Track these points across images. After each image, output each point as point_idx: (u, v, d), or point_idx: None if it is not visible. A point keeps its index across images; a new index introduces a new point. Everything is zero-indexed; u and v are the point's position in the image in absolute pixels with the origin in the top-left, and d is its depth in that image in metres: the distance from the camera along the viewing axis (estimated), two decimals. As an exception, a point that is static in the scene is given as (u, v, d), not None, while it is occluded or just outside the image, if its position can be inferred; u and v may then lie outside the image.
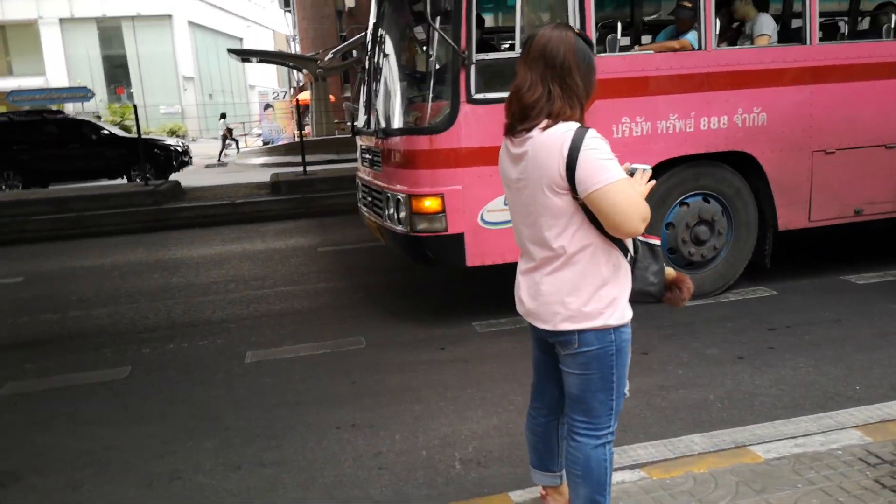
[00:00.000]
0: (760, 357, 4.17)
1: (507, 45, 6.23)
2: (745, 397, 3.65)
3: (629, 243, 2.01)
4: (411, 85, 5.15)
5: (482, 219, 4.61)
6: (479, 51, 4.51)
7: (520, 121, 1.93)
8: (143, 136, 13.87)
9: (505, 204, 4.52)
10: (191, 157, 18.11)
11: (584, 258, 1.92)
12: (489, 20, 7.21)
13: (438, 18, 4.33)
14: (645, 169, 2.00)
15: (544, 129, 1.88)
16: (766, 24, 5.12)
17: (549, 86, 1.88)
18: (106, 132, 16.16)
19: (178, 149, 17.19)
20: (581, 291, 1.93)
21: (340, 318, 5.49)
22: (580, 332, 1.95)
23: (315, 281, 6.75)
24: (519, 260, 2.15)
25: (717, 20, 4.93)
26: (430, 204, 4.55)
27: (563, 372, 2.08)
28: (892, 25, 5.29)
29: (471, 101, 4.47)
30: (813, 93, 5.01)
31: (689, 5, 4.95)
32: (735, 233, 5.12)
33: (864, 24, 6.37)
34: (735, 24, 5.49)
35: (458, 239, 4.60)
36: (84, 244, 9.47)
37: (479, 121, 4.50)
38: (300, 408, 3.88)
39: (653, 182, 2.01)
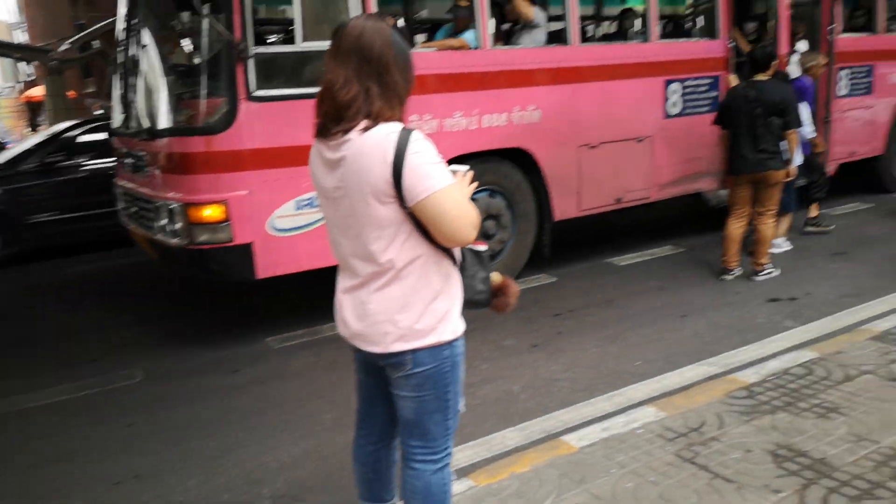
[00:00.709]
0: (552, 343, 4.39)
1: (276, 39, 5.90)
2: (545, 384, 3.81)
3: (456, 251, 1.90)
4: (180, 80, 4.61)
5: (272, 226, 4.28)
6: (256, 43, 4.15)
7: (334, 122, 1.71)
8: None
9: (298, 208, 4.32)
10: None
11: (415, 271, 1.77)
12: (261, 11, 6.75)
13: (208, 6, 3.90)
14: (465, 171, 1.88)
15: (364, 130, 1.69)
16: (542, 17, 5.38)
17: (366, 83, 1.70)
18: None
19: None
20: (412, 307, 1.79)
21: (106, 348, 4.78)
22: (413, 351, 1.81)
23: (64, 309, 5.84)
24: (339, 277, 1.94)
25: (493, 19, 5.09)
26: (212, 212, 4.11)
27: (394, 396, 1.93)
28: (635, 29, 5.89)
29: (251, 98, 4.11)
30: (576, 91, 5.41)
31: (466, 4, 5.04)
32: (518, 225, 5.36)
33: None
34: (508, 25, 5.72)
35: (246, 249, 4.22)
36: None
37: (262, 120, 4.17)
38: (65, 465, 3.28)
39: (475, 183, 1.91)
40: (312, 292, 5.71)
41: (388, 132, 1.68)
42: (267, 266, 4.31)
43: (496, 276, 2.02)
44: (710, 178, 6.37)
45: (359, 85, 1.69)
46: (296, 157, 4.27)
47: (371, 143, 1.68)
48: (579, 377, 3.86)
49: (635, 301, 5.07)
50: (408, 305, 1.78)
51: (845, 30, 7.39)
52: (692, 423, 3.03)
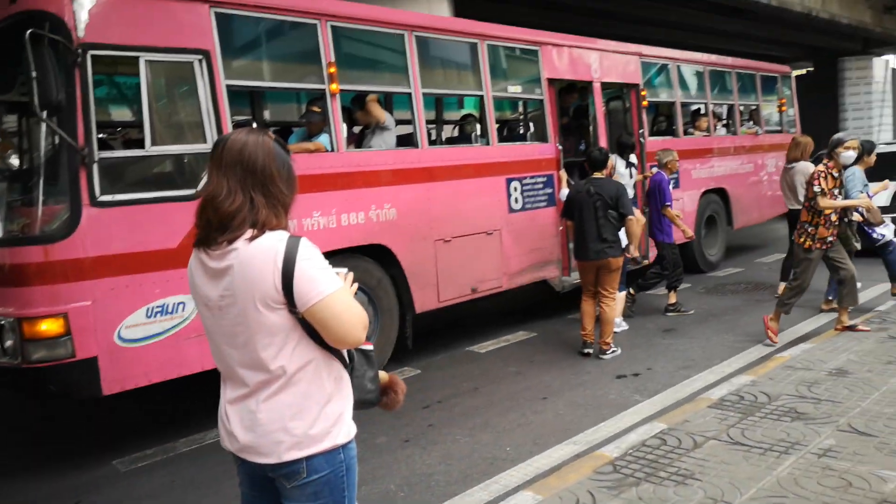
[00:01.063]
0: (424, 436, 4.39)
1: (120, 139, 5.69)
2: (421, 479, 3.78)
3: (344, 353, 1.91)
4: (12, 186, 4.28)
5: (120, 336, 3.98)
6: (101, 147, 3.99)
7: (218, 231, 1.71)
8: None
9: (148, 316, 4.07)
10: None
11: (307, 376, 1.75)
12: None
13: (48, 110, 3.72)
14: (346, 272, 1.93)
15: (251, 239, 1.70)
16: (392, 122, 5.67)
17: (251, 194, 1.72)
18: None
19: None
20: (306, 413, 1.74)
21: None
22: (308, 458, 1.75)
23: None
24: (223, 389, 1.86)
25: (344, 125, 5.28)
26: (50, 326, 3.76)
27: None
28: (477, 133, 6.36)
29: (95, 203, 3.90)
30: (429, 189, 5.69)
31: (319, 110, 5.21)
32: (381, 320, 5.40)
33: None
34: (359, 129, 5.95)
35: (91, 364, 3.88)
36: None
37: (107, 225, 3.95)
38: None
39: (356, 285, 1.96)
40: (160, 405, 5.35)
41: (277, 240, 1.70)
42: (114, 381, 3.97)
43: (383, 375, 2.05)
44: (553, 266, 6.87)
45: (243, 195, 1.71)
46: (145, 262, 4.09)
47: (259, 251, 1.68)
48: (454, 468, 3.88)
49: (498, 387, 5.23)
50: (301, 411, 1.75)
51: (651, 134, 8.48)
52: (567, 503, 3.14)
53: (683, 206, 8.67)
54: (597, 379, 5.25)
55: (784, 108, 11.15)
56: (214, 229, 1.71)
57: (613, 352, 5.76)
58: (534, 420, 4.52)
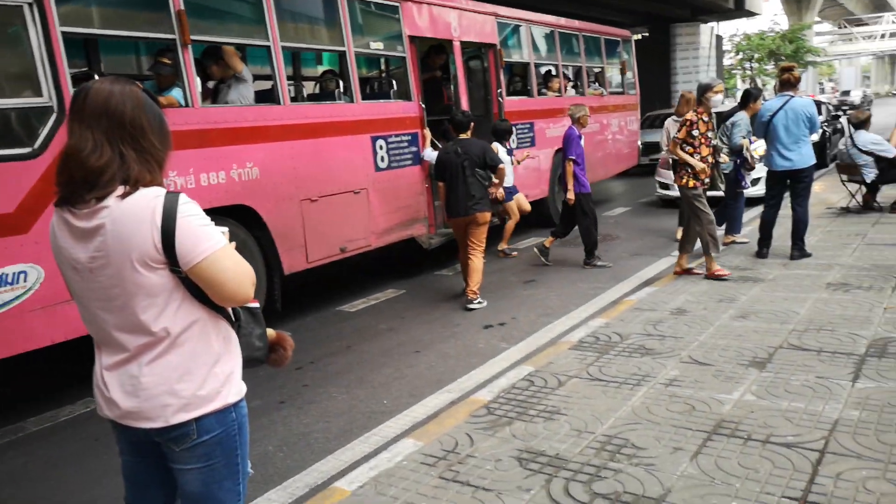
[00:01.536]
0: (300, 397, 4.37)
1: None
2: (299, 439, 3.78)
3: (230, 311, 1.86)
4: None
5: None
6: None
7: (85, 189, 1.59)
8: None
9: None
10: None
11: (193, 336, 1.69)
12: None
13: None
14: (224, 231, 1.87)
15: (123, 196, 1.60)
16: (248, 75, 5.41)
17: (121, 148, 1.61)
18: None
19: None
20: (193, 374, 1.69)
21: None
22: (198, 419, 1.70)
23: None
24: (99, 355, 1.76)
25: (198, 79, 4.97)
26: None
27: (176, 472, 1.79)
28: (340, 90, 6.25)
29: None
30: (293, 147, 5.54)
31: (169, 62, 4.87)
32: (248, 283, 5.23)
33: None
34: (213, 84, 5.63)
35: (-82, 344, 3.46)
36: None
37: (-72, 189, 3.49)
38: None
39: (233, 243, 1.90)
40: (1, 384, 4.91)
41: (154, 195, 1.60)
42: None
43: (271, 332, 2.02)
44: (421, 224, 6.97)
45: (111, 149, 1.60)
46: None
47: (135, 208, 1.59)
48: (332, 425, 3.91)
49: (371, 344, 5.29)
50: (188, 373, 1.69)
51: (508, 94, 8.75)
52: (447, 446, 3.28)
53: (539, 163, 9.09)
54: (465, 330, 5.46)
55: (626, 71, 11.90)
56: (80, 186, 1.59)
57: (480, 302, 6.01)
58: (408, 373, 4.63)
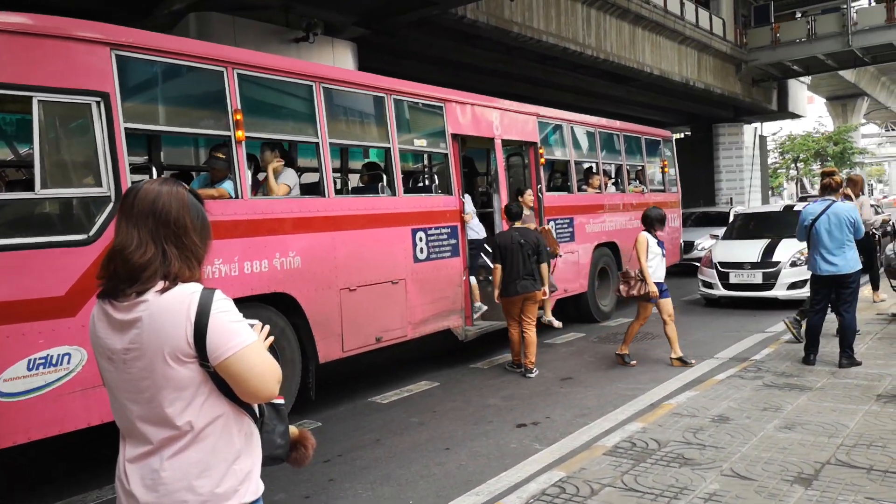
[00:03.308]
0: (325, 492, 4.29)
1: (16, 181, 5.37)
2: (322, 537, 3.69)
3: (255, 407, 1.88)
4: None
5: (-4, 391, 3.69)
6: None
7: (127, 283, 1.67)
8: None
9: (30, 369, 3.81)
10: None
11: (215, 432, 1.70)
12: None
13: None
14: (261, 325, 1.89)
15: (162, 291, 1.68)
16: (288, 176, 5.65)
17: (164, 246, 1.69)
18: None
19: None
20: (212, 471, 1.69)
21: None
22: None
23: None
24: (123, 447, 1.78)
25: (249, 172, 5.23)
26: (-85, 381, 3.44)
27: None
28: (384, 183, 6.46)
29: (-24, 247, 3.64)
30: (335, 238, 5.70)
31: (223, 157, 5.14)
32: (284, 372, 5.26)
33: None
34: (262, 176, 5.89)
35: (-38, 422, 3.56)
36: None
37: (-11, 271, 3.69)
38: None
39: (272, 338, 1.95)
40: (32, 465, 4.95)
41: (190, 291, 1.67)
42: (-12, 439, 3.66)
43: (293, 429, 2.01)
44: (457, 315, 6.99)
45: (155, 247, 1.69)
46: (29, 311, 3.86)
47: (172, 303, 1.66)
48: (355, 524, 3.82)
49: (401, 438, 5.21)
50: (208, 469, 1.69)
51: (549, 189, 8.91)
52: (472, 555, 3.16)
53: (578, 258, 9.11)
54: (498, 428, 5.34)
55: (666, 169, 12.02)
56: (122, 281, 1.67)
57: (535, 371, 6.83)
58: (436, 471, 4.52)
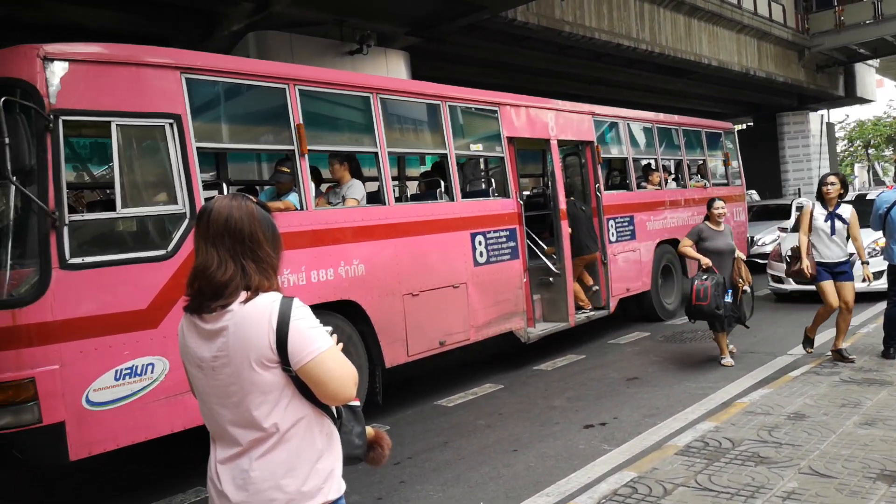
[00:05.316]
0: (396, 493, 4.37)
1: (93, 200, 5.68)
2: (396, 539, 3.76)
3: (333, 409, 1.97)
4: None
5: (88, 400, 3.91)
6: (71, 210, 4.02)
7: (212, 300, 1.78)
8: None
9: (117, 379, 4.03)
10: None
11: (299, 433, 1.80)
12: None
13: (18, 173, 3.74)
14: (331, 331, 2.00)
15: (245, 302, 1.78)
16: (356, 189, 5.79)
17: (242, 262, 1.79)
18: None
19: None
20: (298, 470, 1.78)
21: None
22: None
23: None
24: (214, 449, 1.89)
25: (312, 184, 5.38)
26: (16, 392, 3.68)
27: None
28: (442, 189, 6.54)
29: (66, 266, 3.88)
30: (397, 245, 5.80)
31: (288, 171, 5.31)
32: (353, 376, 5.39)
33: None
34: (326, 186, 6.06)
35: (58, 429, 3.79)
36: None
37: (77, 288, 3.93)
38: None
39: (342, 343, 2.03)
40: (124, 469, 5.22)
41: (271, 301, 1.77)
42: (81, 446, 3.88)
43: (369, 430, 2.09)
44: (519, 318, 6.99)
45: (234, 264, 1.78)
46: (114, 324, 4.07)
47: (254, 312, 1.75)
48: (429, 525, 3.88)
49: (468, 441, 5.26)
50: (293, 469, 1.78)
51: (606, 188, 8.82)
52: (546, 554, 3.17)
53: (640, 256, 8.98)
54: (565, 429, 5.33)
55: (729, 162, 11.71)
56: (207, 297, 1.78)
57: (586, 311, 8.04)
58: (505, 473, 4.55)
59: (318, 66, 6.16)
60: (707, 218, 6.91)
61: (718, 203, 6.88)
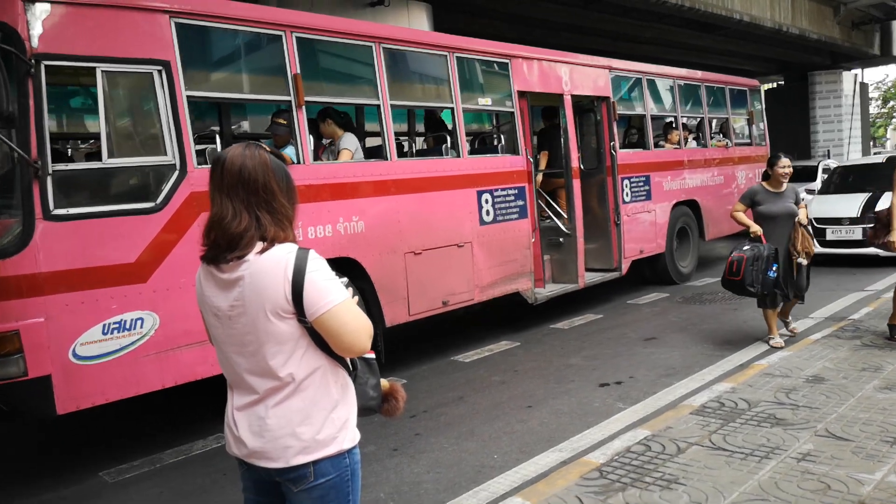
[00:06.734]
0: (412, 445, 4.31)
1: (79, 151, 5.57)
2: (410, 488, 3.70)
3: (348, 360, 1.91)
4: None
5: (75, 354, 3.82)
6: (55, 159, 3.87)
7: (228, 251, 1.75)
8: None
9: (105, 333, 3.93)
10: None
11: (314, 383, 1.80)
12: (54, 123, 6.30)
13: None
14: (348, 284, 1.93)
15: (261, 252, 1.75)
16: (348, 140, 5.60)
17: (257, 213, 1.76)
18: None
19: None
20: (313, 419, 1.80)
21: None
22: (315, 462, 1.79)
23: None
24: (231, 396, 1.88)
25: (311, 137, 5.19)
26: (0, 344, 3.60)
27: None
28: (448, 145, 6.31)
29: (49, 217, 3.76)
30: (399, 201, 5.61)
31: (285, 122, 5.12)
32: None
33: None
34: (326, 142, 5.87)
35: (44, 382, 3.71)
36: None
37: (62, 240, 3.81)
38: None
39: (356, 297, 1.93)
40: (145, 416, 5.24)
41: (286, 252, 1.75)
42: (69, 399, 3.80)
43: (384, 382, 2.07)
44: (526, 278, 6.79)
45: (249, 215, 1.75)
46: (101, 277, 3.96)
47: (270, 263, 1.73)
48: (443, 476, 3.81)
49: (483, 396, 5.15)
50: (309, 417, 1.79)
51: (623, 146, 8.51)
52: (550, 512, 3.04)
53: (655, 217, 8.69)
54: (580, 387, 5.18)
55: (754, 122, 11.28)
56: (223, 249, 1.76)
57: None
58: (519, 428, 4.44)
59: (338, 17, 5.87)
60: (765, 177, 5.95)
61: (784, 160, 5.76)
